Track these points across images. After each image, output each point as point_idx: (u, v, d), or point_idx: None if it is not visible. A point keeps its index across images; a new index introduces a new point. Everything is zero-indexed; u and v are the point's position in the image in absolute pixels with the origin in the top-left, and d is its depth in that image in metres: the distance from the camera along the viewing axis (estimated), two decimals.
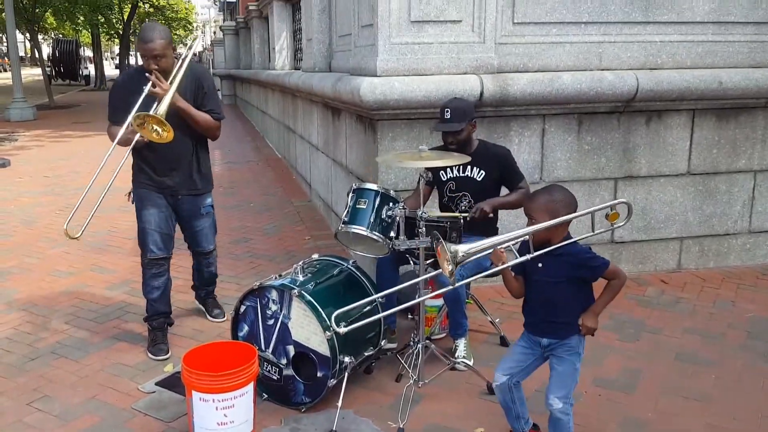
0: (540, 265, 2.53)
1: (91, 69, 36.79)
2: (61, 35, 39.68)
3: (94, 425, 3.07)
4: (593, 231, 2.66)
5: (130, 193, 3.92)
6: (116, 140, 3.58)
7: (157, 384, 3.42)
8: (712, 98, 4.76)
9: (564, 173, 4.70)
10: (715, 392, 3.31)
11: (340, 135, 5.67)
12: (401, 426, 2.95)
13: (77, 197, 7.89)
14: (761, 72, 4.82)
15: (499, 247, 2.49)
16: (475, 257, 2.49)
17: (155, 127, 3.43)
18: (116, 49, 53.89)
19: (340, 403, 3.02)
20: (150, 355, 3.79)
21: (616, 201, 2.67)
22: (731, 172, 5.03)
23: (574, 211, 2.54)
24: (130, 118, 3.48)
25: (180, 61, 3.68)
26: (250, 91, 15.72)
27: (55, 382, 3.48)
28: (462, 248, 2.44)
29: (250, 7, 13.26)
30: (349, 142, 5.30)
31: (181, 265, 4.75)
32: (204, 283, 4.31)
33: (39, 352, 3.83)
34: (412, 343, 3.40)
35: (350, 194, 3.42)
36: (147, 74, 3.52)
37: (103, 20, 28.35)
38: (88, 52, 43.44)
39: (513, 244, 2.52)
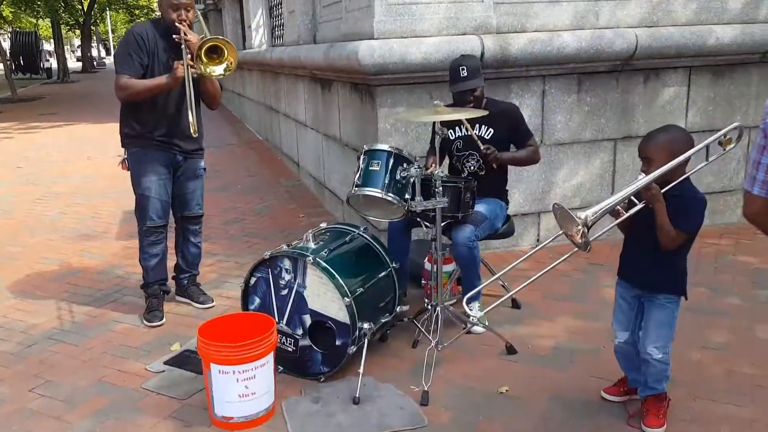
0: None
1: (52, 62, 35.75)
2: (18, 28, 38.46)
3: (104, 407, 2.93)
4: (707, 160, 2.59)
5: (124, 160, 3.75)
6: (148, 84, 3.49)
7: (165, 363, 3.29)
8: (709, 54, 4.72)
9: (564, 135, 4.65)
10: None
11: (331, 108, 5.53)
12: (425, 388, 2.88)
13: (56, 186, 7.57)
14: (757, 27, 4.80)
15: (628, 193, 2.34)
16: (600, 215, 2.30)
17: (211, 67, 3.46)
18: (76, 42, 52.64)
19: (361, 370, 2.93)
20: (145, 321, 3.78)
21: (730, 126, 2.56)
22: None
23: (692, 147, 2.42)
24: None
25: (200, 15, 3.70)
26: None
27: (56, 367, 3.32)
28: (589, 212, 2.25)
29: None
30: (343, 114, 5.16)
31: None
32: (188, 264, 4.03)
33: (35, 339, 3.64)
34: (429, 307, 3.33)
35: (361, 157, 3.28)
36: (177, 24, 3.44)
37: (63, 5, 27.32)
38: (48, 47, 42.24)
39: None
